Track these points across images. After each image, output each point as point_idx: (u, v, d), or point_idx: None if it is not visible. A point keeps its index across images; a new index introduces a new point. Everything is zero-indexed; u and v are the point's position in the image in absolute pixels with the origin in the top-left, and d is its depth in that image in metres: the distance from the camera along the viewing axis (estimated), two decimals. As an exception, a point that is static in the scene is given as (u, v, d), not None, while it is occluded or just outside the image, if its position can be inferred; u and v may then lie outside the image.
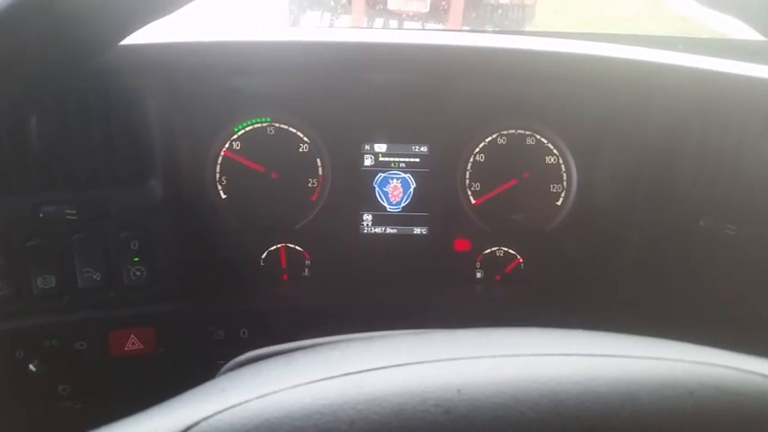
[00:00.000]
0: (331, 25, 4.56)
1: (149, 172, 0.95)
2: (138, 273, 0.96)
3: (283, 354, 0.46)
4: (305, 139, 1.06)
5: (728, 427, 0.37)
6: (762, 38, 0.54)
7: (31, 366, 0.94)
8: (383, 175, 1.09)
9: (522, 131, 1.09)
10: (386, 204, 1.11)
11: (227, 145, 1.05)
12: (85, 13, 0.49)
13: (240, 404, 0.36)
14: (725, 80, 0.96)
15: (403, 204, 1.11)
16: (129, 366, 0.99)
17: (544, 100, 1.06)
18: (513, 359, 0.40)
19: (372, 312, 0.94)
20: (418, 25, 4.42)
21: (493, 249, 1.13)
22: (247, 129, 1.05)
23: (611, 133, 1.06)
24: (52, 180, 0.89)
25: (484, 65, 1.00)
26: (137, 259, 0.95)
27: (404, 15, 4.40)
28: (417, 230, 1.12)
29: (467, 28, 4.57)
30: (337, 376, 0.38)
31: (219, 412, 0.35)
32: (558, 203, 1.11)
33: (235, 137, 1.05)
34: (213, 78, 0.99)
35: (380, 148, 1.08)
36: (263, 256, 1.11)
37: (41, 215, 0.89)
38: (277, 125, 1.05)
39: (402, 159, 1.09)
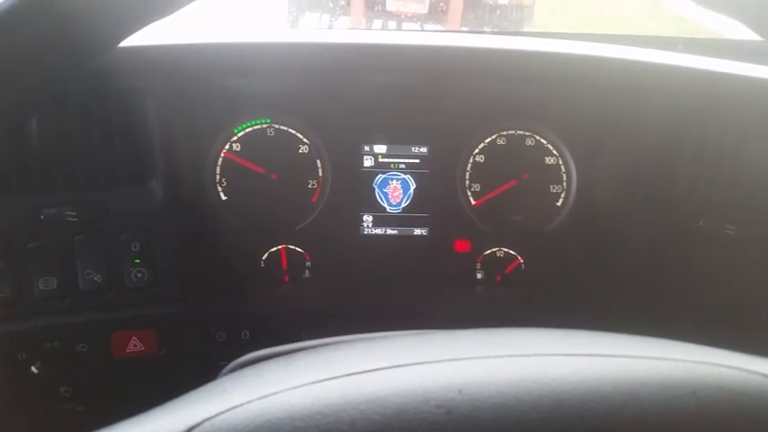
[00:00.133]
0: (330, 27, 4.57)
1: (149, 174, 0.95)
2: (139, 274, 0.96)
3: (285, 355, 0.46)
4: (305, 140, 1.06)
5: (731, 427, 0.37)
6: (760, 38, 0.54)
7: (33, 368, 0.94)
8: (383, 176, 1.09)
9: (522, 132, 1.09)
10: (386, 205, 1.11)
11: (227, 146, 1.05)
12: (85, 14, 0.49)
13: (242, 405, 0.36)
14: (724, 80, 0.96)
15: (403, 205, 1.11)
16: (130, 368, 0.99)
17: (543, 100, 1.06)
18: (514, 359, 0.40)
19: (373, 313, 0.94)
20: (417, 26, 4.43)
21: (493, 250, 1.13)
22: (247, 130, 1.05)
23: (611, 133, 1.06)
24: (53, 182, 0.89)
25: (483, 66, 1.00)
26: (138, 261, 0.95)
27: (402, 16, 4.41)
28: (417, 231, 1.12)
29: (465, 29, 4.58)
30: (339, 377, 0.38)
31: (221, 413, 0.36)
32: (558, 204, 1.11)
33: (235, 138, 1.05)
34: (213, 80, 0.99)
35: (380, 149, 1.08)
36: (264, 258, 1.11)
37: (42, 217, 0.89)
38: (277, 126, 1.05)
39: (402, 160, 1.09)
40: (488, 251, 1.13)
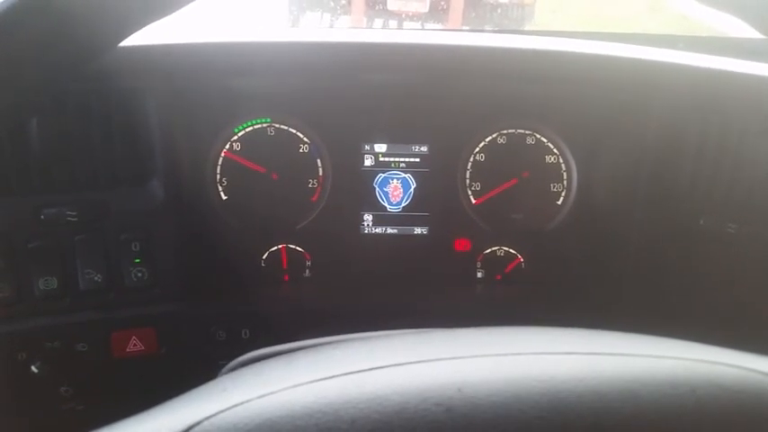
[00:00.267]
0: (331, 26, 4.57)
1: (150, 173, 0.95)
2: (139, 274, 0.96)
3: (284, 353, 0.46)
4: (305, 139, 1.06)
5: (730, 425, 0.37)
6: (762, 36, 0.54)
7: (33, 368, 0.94)
8: (383, 175, 1.09)
9: (522, 131, 1.09)
10: (386, 204, 1.11)
11: (227, 146, 1.05)
12: (85, 15, 0.49)
13: (242, 403, 0.36)
14: (725, 79, 0.96)
15: (403, 204, 1.11)
16: (130, 367, 0.99)
17: (544, 99, 1.06)
18: (513, 358, 0.40)
19: (373, 312, 0.94)
20: (418, 25, 4.43)
21: (493, 249, 1.13)
22: (247, 130, 1.05)
23: (611, 132, 1.06)
24: (53, 182, 0.89)
25: (484, 64, 1.00)
26: (138, 260, 0.95)
27: (403, 15, 4.40)
28: (418, 230, 1.12)
29: (466, 28, 4.58)
30: (338, 375, 0.38)
31: (221, 411, 0.36)
32: (559, 203, 1.11)
33: (235, 138, 1.05)
34: (213, 79, 0.99)
35: (380, 148, 1.08)
36: (264, 257, 1.11)
37: (42, 217, 0.89)
38: (277, 126, 1.05)
39: (402, 159, 1.09)
40: (488, 250, 1.13)
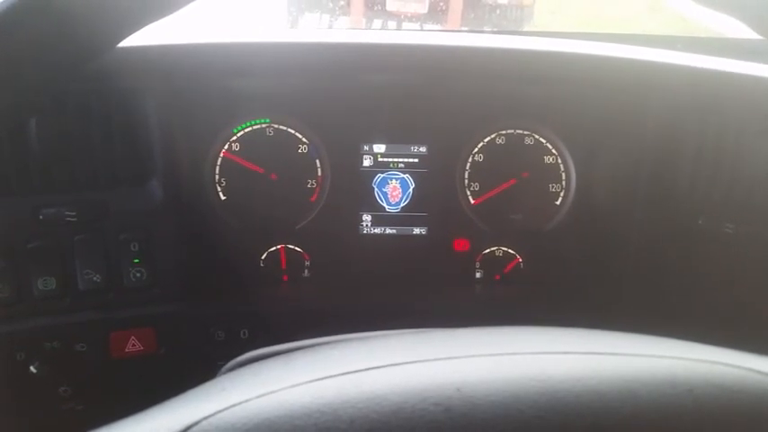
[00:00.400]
0: (330, 27, 4.56)
1: (149, 173, 0.95)
2: (138, 274, 0.96)
3: (283, 353, 0.46)
4: (304, 140, 1.06)
5: (728, 425, 0.37)
6: (760, 37, 0.54)
7: (32, 368, 0.94)
8: (382, 175, 1.09)
9: (521, 131, 1.09)
10: (385, 205, 1.11)
11: (226, 146, 1.05)
12: (85, 15, 0.49)
13: (240, 403, 0.36)
14: (724, 79, 0.96)
15: (402, 205, 1.11)
16: (129, 367, 0.99)
17: (543, 100, 1.06)
18: (512, 357, 0.40)
19: (372, 312, 0.94)
20: (417, 26, 4.43)
21: (492, 249, 1.13)
22: (246, 130, 1.05)
23: (610, 132, 1.06)
24: (52, 182, 0.89)
25: (482, 65, 1.00)
26: (137, 261, 0.95)
27: (402, 16, 4.41)
28: (417, 231, 1.12)
29: (465, 28, 4.58)
30: (337, 375, 0.38)
31: (220, 411, 0.36)
32: (557, 203, 1.11)
33: (234, 138, 1.05)
34: (212, 80, 0.99)
35: (379, 148, 1.08)
36: (263, 257, 1.11)
37: (41, 217, 0.89)
38: (276, 126, 1.05)
39: (401, 160, 1.09)
40: (487, 250, 1.13)
